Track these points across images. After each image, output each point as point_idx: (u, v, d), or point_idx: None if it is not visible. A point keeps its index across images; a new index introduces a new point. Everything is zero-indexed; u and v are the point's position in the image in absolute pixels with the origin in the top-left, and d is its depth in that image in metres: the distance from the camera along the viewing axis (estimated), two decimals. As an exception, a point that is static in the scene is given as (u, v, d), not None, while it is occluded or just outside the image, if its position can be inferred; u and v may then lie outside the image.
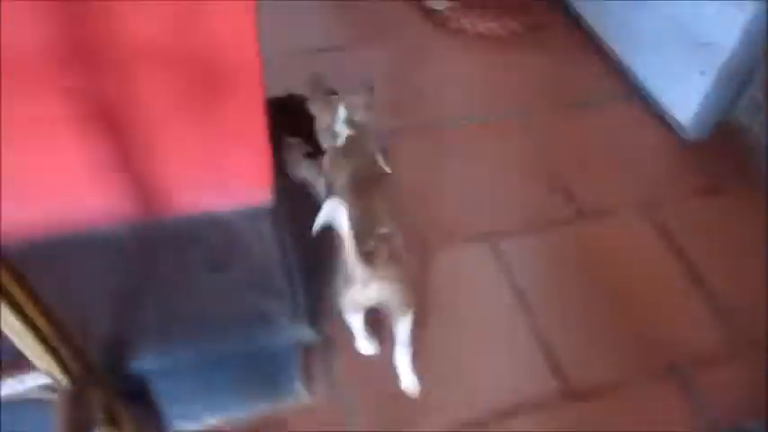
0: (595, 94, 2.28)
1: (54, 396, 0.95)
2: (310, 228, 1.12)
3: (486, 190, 1.93)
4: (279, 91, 1.61)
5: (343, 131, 1.45)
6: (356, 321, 1.39)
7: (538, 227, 1.83)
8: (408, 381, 1.41)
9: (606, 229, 1.84)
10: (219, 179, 1.32)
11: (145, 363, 1.17)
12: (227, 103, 1.19)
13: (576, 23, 2.51)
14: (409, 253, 1.34)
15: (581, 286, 1.71)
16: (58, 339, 0.89)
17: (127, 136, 1.18)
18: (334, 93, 1.51)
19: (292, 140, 1.67)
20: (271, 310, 1.24)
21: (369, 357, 1.47)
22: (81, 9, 0.99)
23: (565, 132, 2.13)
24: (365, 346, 1.46)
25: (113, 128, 1.16)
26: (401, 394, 1.42)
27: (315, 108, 1.50)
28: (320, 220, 1.10)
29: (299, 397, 1.40)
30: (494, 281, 1.69)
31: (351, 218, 1.09)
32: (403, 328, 1.32)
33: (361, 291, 1.21)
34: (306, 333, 1.25)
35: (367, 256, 1.16)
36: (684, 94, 2.05)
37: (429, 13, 2.51)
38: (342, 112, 1.45)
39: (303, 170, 1.61)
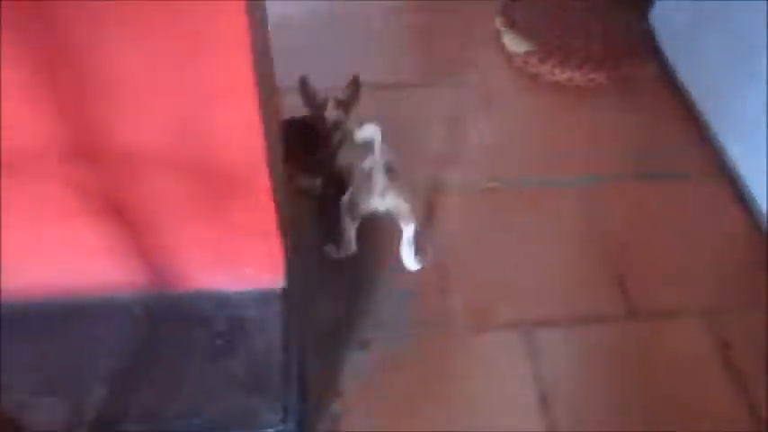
0: (677, 167, 2.07)
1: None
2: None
3: (529, 268, 1.79)
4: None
5: (333, 115, 1.74)
6: (353, 228, 1.66)
7: (580, 319, 1.69)
8: (411, 262, 1.74)
9: (657, 335, 1.67)
10: (231, 263, 1.29)
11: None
12: (235, 201, 1.15)
13: (669, 81, 2.29)
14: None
15: (617, 392, 1.57)
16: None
17: (138, 225, 1.17)
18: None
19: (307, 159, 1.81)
20: (259, 411, 1.21)
21: None
22: (83, 114, 0.98)
23: (632, 209, 1.95)
24: (352, 243, 1.68)
25: (124, 217, 1.15)
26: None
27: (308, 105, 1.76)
28: (361, 135, 1.63)
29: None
30: (519, 376, 1.58)
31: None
32: (407, 233, 1.68)
33: (379, 199, 1.59)
34: (292, 439, 1.21)
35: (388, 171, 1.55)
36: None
37: (509, 56, 2.36)
38: (330, 102, 1.75)
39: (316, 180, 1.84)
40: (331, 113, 1.74)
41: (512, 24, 2.40)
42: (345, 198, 1.62)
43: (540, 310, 1.70)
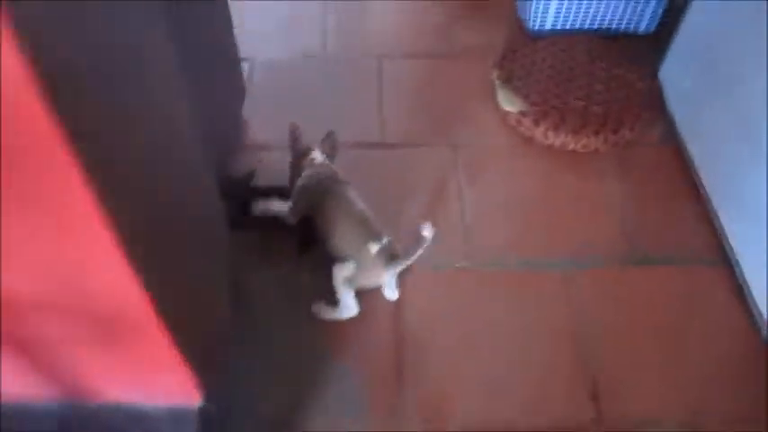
0: (673, 250, 1.90)
1: None
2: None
3: (493, 363, 1.67)
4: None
5: (320, 158, 1.80)
6: (351, 294, 1.65)
7: (542, 427, 1.56)
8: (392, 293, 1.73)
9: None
10: (144, 381, 1.22)
11: None
12: (131, 341, 1.07)
13: (674, 148, 2.12)
14: None
15: None
16: None
17: (41, 348, 1.11)
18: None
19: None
20: None
21: None
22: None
23: (618, 299, 1.80)
24: (352, 308, 1.67)
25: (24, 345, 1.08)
26: None
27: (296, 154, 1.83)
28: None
29: None
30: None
31: (361, 219, 1.65)
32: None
33: (375, 278, 1.64)
34: None
35: (387, 254, 1.61)
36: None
37: (503, 114, 2.22)
38: (317, 152, 1.81)
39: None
40: (317, 156, 1.81)
41: (507, 79, 2.26)
42: (343, 272, 1.62)
43: (499, 413, 1.58)
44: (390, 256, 1.61)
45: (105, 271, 0.90)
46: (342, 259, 1.62)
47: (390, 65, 2.42)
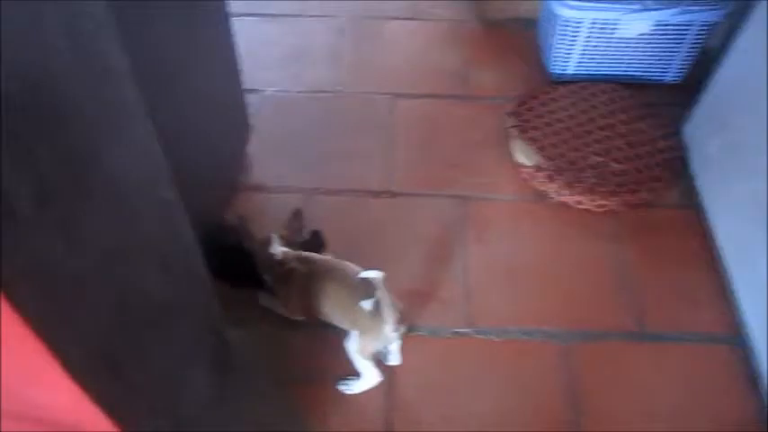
0: (685, 325, 1.80)
1: None
2: None
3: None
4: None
5: (280, 251, 1.65)
6: (370, 364, 1.61)
7: None
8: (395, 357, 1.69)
9: None
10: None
11: None
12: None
13: (694, 212, 2.01)
14: None
15: None
16: None
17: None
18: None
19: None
20: None
21: None
22: None
23: (622, 377, 1.70)
24: (375, 377, 1.62)
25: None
26: None
27: (255, 246, 1.68)
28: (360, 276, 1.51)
29: None
30: None
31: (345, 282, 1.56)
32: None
33: (381, 338, 1.54)
34: None
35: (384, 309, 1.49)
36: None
37: (516, 166, 2.14)
38: (275, 239, 1.66)
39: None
40: (276, 250, 1.66)
41: (523, 129, 2.17)
42: (351, 345, 1.58)
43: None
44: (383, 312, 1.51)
45: (51, 388, 0.84)
46: (348, 332, 1.58)
47: (404, 104, 2.34)
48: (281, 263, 1.65)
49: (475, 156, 2.19)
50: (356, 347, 1.55)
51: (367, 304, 1.50)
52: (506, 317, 1.80)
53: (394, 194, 2.08)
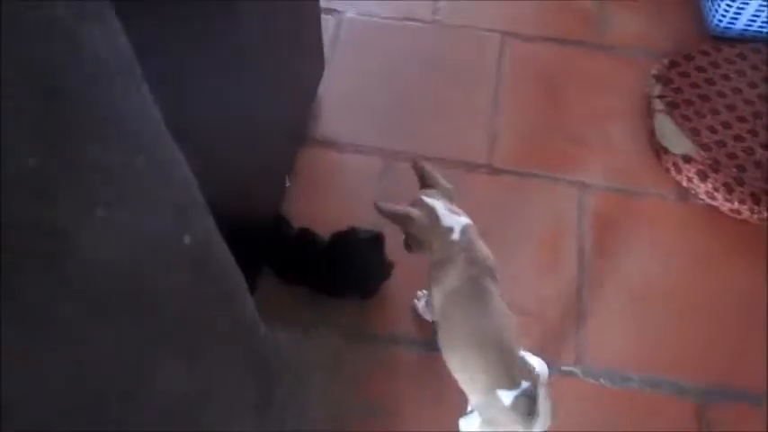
0: None
1: None
2: None
3: None
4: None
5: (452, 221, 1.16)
6: None
7: None
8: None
9: None
10: None
11: None
12: None
13: None
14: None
15: None
16: None
17: None
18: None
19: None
20: None
21: None
22: None
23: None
24: None
25: None
26: None
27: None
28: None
29: None
30: None
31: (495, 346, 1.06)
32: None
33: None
34: None
35: (525, 406, 1.01)
36: None
37: (656, 149, 1.66)
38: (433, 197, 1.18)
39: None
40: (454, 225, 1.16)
41: (672, 101, 1.66)
42: (466, 429, 1.11)
43: None
44: (529, 409, 1.02)
45: None
46: (466, 403, 1.13)
47: (517, 47, 1.85)
48: (450, 243, 1.14)
49: (604, 129, 1.71)
50: None
51: (507, 396, 1.03)
52: (626, 357, 1.40)
53: (494, 171, 1.64)
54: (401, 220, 1.15)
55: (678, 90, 1.68)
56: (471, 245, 1.15)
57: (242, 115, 1.17)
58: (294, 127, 1.58)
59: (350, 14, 1.89)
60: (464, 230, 1.15)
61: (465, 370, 1.10)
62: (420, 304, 1.38)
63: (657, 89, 1.70)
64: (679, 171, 1.60)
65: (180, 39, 0.90)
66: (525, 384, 1.04)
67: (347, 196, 1.56)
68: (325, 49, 1.73)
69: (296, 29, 1.41)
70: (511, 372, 1.04)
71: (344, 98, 1.73)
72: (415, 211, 1.14)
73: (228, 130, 1.11)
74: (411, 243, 1.19)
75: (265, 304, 1.34)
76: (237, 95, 1.12)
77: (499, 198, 1.60)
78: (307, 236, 1.37)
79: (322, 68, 1.69)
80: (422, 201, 1.16)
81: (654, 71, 1.74)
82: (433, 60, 1.81)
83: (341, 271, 1.35)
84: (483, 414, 1.07)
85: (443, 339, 1.13)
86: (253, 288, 1.33)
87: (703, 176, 1.56)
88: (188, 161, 0.59)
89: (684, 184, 1.60)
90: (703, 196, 1.58)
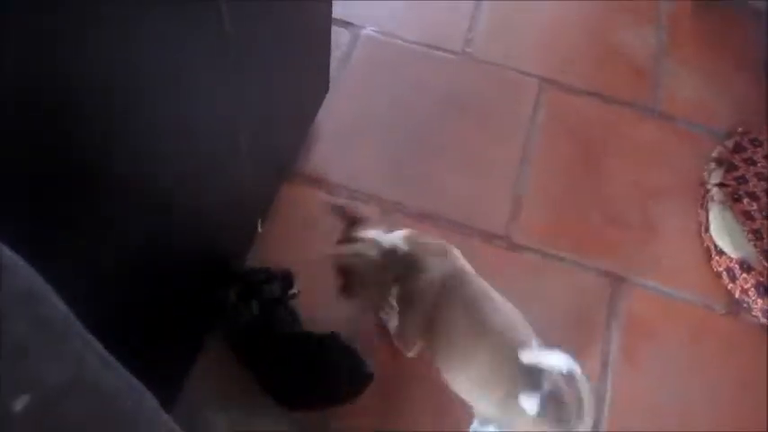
0: None
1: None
2: None
3: None
4: None
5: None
6: None
7: None
8: None
9: None
10: None
11: None
12: None
13: None
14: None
15: None
16: None
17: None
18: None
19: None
20: None
21: None
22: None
23: None
24: None
25: None
26: None
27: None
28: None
29: None
30: None
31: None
32: None
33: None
34: None
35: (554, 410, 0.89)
36: None
37: (708, 247, 1.38)
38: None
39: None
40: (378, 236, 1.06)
41: (733, 192, 1.39)
42: None
43: None
44: (559, 413, 0.90)
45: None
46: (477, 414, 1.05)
47: (556, 97, 1.57)
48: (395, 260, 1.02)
49: (648, 211, 1.43)
50: None
51: (529, 402, 0.89)
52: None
53: (513, 246, 1.36)
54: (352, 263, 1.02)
55: (742, 180, 1.41)
56: (423, 247, 1.03)
57: (211, 135, 0.88)
58: (279, 157, 1.29)
59: (368, 31, 1.60)
60: (407, 241, 1.03)
61: (474, 383, 0.99)
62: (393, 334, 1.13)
63: (717, 175, 1.42)
64: (733, 279, 1.33)
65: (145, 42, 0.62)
66: (547, 385, 0.90)
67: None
68: (332, 68, 1.45)
69: (298, 37, 1.12)
70: (528, 371, 0.90)
71: (346, 129, 1.45)
72: (366, 246, 1.01)
73: (185, 155, 0.83)
74: (355, 286, 1.04)
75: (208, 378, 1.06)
76: (204, 110, 0.84)
77: (514, 280, 1.31)
78: (269, 315, 1.07)
79: (325, 89, 1.40)
80: (357, 237, 1.03)
81: (714, 153, 1.48)
82: (457, 99, 1.53)
83: (309, 382, 1.05)
84: (507, 426, 0.97)
85: (441, 360, 1.02)
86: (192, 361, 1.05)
87: (762, 291, 1.29)
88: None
89: (737, 295, 1.33)
90: (758, 314, 1.31)
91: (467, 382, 1.00)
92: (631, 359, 1.26)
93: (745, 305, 1.32)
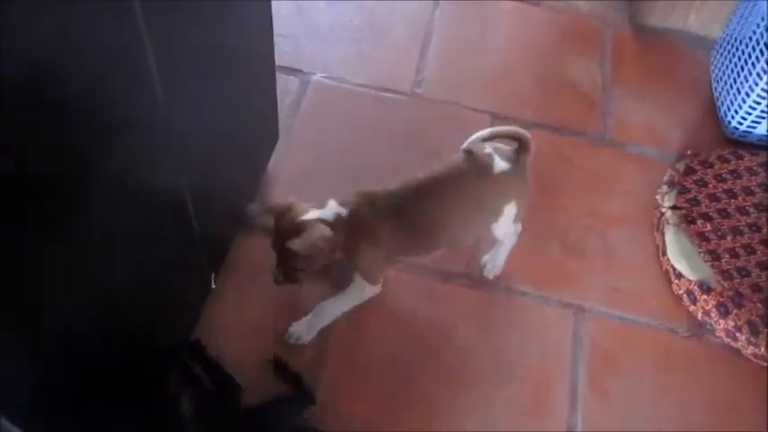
0: None
1: None
2: None
3: None
4: None
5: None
6: None
7: None
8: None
9: None
10: None
11: None
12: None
13: None
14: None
15: None
16: None
17: None
18: None
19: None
20: None
21: None
22: None
23: None
24: None
25: None
26: None
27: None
28: None
29: None
30: None
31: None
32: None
33: None
34: None
35: None
36: None
37: (667, 269, 1.39)
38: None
39: None
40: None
41: (687, 215, 1.41)
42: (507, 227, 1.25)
43: None
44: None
45: None
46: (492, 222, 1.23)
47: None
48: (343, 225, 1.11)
49: (607, 240, 1.44)
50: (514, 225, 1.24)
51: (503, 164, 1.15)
52: None
53: (475, 283, 1.34)
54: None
55: (694, 202, 1.43)
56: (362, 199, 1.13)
57: (153, 198, 0.86)
58: (231, 209, 1.27)
59: (317, 77, 1.61)
60: (342, 208, 1.11)
61: (473, 210, 1.17)
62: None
63: (670, 198, 1.44)
64: (694, 301, 1.33)
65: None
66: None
67: (287, 302, 1.25)
68: (284, 116, 1.45)
69: (240, 91, 1.11)
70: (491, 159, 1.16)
71: (300, 175, 1.44)
72: (316, 229, 1.07)
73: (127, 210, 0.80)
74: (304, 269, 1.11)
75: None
76: (142, 174, 0.82)
77: (477, 318, 1.30)
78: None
79: (275, 138, 1.40)
80: (299, 224, 1.07)
81: (666, 176, 1.49)
82: (410, 140, 1.53)
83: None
84: (511, 199, 1.19)
85: (433, 245, 1.22)
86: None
87: (724, 312, 1.29)
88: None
89: (700, 317, 1.33)
90: (722, 334, 1.31)
91: (469, 217, 1.17)
92: (600, 389, 1.25)
93: (708, 326, 1.33)
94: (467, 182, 1.13)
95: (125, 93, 0.71)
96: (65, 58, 0.59)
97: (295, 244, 1.04)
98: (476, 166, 1.14)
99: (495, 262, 1.32)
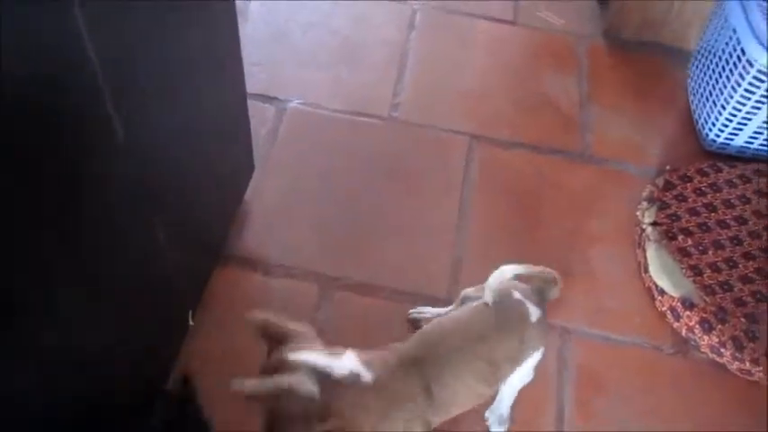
0: None
1: None
2: None
3: None
4: None
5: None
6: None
7: None
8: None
9: None
10: None
11: None
12: None
13: None
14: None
15: None
16: None
17: None
18: None
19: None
20: None
21: None
22: None
23: None
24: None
25: None
26: None
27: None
28: None
29: None
30: None
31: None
32: None
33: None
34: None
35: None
36: None
37: (650, 287, 1.38)
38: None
39: None
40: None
41: (668, 230, 1.40)
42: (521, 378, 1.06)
43: None
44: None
45: None
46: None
47: (487, 152, 1.58)
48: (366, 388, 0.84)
49: (589, 259, 1.43)
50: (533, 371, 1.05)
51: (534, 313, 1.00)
52: None
53: (442, 299, 1.33)
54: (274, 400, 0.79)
55: (675, 217, 1.43)
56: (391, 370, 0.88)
57: (123, 238, 0.85)
58: (207, 243, 1.26)
59: (293, 104, 1.60)
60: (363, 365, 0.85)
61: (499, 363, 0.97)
62: None
63: (650, 214, 1.44)
64: (677, 318, 1.32)
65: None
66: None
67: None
68: (261, 145, 1.44)
69: (210, 124, 1.11)
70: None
71: (277, 205, 1.43)
72: (293, 379, 0.79)
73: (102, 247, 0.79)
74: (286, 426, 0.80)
75: None
76: (111, 215, 0.80)
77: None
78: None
79: (251, 168, 1.39)
80: (289, 362, 0.81)
81: (645, 192, 1.49)
82: (389, 164, 1.53)
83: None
84: (532, 347, 1.00)
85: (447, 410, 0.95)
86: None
87: (707, 328, 1.29)
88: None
89: (684, 333, 1.32)
90: (706, 350, 1.30)
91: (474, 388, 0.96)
92: (587, 411, 1.24)
93: (692, 343, 1.32)
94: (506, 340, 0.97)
95: (73, 114, 0.69)
96: None
97: (249, 384, 0.78)
98: (508, 318, 0.98)
99: (500, 411, 1.18)
